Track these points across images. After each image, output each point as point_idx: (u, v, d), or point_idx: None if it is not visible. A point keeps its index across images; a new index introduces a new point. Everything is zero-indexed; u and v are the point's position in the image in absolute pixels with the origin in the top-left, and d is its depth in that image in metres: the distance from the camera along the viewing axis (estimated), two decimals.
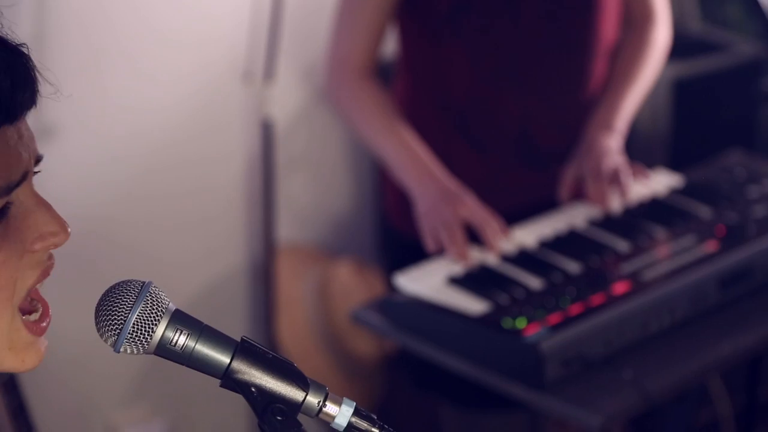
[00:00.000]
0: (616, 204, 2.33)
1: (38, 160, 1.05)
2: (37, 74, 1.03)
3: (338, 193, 3.35)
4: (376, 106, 2.31)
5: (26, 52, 1.03)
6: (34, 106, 1.03)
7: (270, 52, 2.92)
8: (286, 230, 3.19)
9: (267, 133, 2.98)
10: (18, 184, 1.02)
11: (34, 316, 1.06)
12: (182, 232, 3.01)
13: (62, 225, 1.05)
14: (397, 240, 2.53)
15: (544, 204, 2.39)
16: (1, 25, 1.03)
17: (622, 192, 2.32)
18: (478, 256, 2.17)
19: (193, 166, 3.00)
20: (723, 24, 3.73)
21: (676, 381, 2.03)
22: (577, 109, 2.42)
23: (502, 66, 2.35)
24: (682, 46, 3.48)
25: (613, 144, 2.34)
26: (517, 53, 2.34)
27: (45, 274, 1.06)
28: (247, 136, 3.04)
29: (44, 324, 1.07)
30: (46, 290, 1.08)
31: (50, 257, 1.06)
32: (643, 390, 1.95)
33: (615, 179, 2.31)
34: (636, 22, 2.46)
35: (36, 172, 1.05)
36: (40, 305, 1.07)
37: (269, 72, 2.93)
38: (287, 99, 3.11)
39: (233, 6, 2.95)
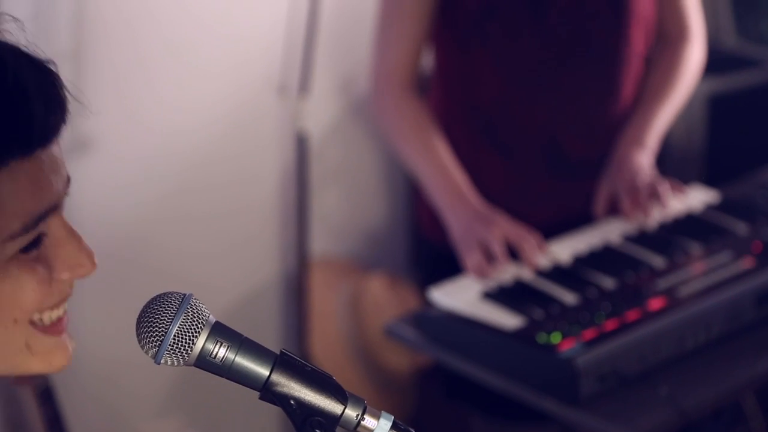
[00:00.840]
0: (656, 218, 2.33)
1: (68, 181, 1.06)
2: (66, 93, 1.03)
3: (372, 207, 3.35)
4: (415, 123, 2.32)
5: (55, 70, 1.03)
6: (65, 127, 1.03)
7: (305, 66, 2.93)
8: (320, 243, 3.20)
9: (302, 147, 2.99)
10: (48, 213, 1.03)
11: (50, 317, 1.07)
12: (217, 244, 3.02)
13: (90, 257, 1.07)
14: (431, 251, 2.53)
15: (572, 213, 2.39)
16: (27, 41, 1.03)
17: (662, 205, 2.31)
18: (514, 271, 2.17)
19: (228, 179, 3.01)
20: (758, 39, 3.71)
21: (711, 398, 2.02)
22: (605, 120, 2.41)
23: (530, 74, 2.35)
24: (717, 62, 3.47)
25: (644, 160, 2.34)
26: (544, 61, 2.34)
27: (64, 300, 1.08)
28: (282, 150, 3.05)
29: (62, 324, 1.08)
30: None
31: (71, 285, 1.08)
32: (678, 406, 1.94)
33: (653, 193, 2.30)
34: (670, 39, 2.46)
35: (65, 196, 1.06)
36: None
37: (304, 86, 2.95)
38: (322, 113, 3.12)
39: (269, 21, 2.96)
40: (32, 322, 1.06)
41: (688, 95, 2.48)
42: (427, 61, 2.61)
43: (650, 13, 2.41)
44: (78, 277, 1.06)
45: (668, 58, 2.45)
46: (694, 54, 2.46)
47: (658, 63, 2.45)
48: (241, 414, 3.09)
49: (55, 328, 1.07)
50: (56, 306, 1.07)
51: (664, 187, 2.32)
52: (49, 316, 1.06)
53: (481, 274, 2.15)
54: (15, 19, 1.03)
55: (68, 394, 2.44)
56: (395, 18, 2.32)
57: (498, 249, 2.16)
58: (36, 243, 1.03)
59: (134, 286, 2.74)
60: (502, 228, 2.18)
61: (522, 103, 2.36)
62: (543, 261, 2.19)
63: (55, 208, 1.03)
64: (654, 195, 2.31)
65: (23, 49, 1.01)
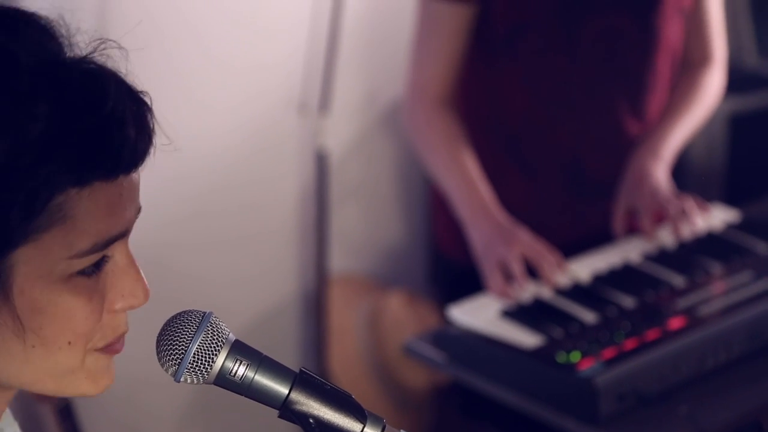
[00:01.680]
0: (685, 236, 2.32)
1: (139, 210, 1.07)
2: (155, 125, 1.05)
3: (391, 224, 3.36)
4: (445, 135, 2.33)
5: (149, 102, 1.05)
6: (149, 157, 1.05)
7: (325, 85, 2.94)
8: (339, 260, 3.20)
9: (321, 164, 3.00)
10: (117, 239, 1.04)
11: (103, 341, 1.07)
12: (236, 261, 3.03)
13: (145, 290, 1.07)
14: (449, 268, 2.53)
15: (592, 233, 2.39)
16: (126, 71, 1.05)
17: (691, 223, 2.31)
18: (533, 290, 2.17)
19: (249, 197, 3.02)
20: None
21: (731, 417, 2.01)
22: (628, 143, 2.42)
23: (557, 92, 2.35)
24: (738, 81, 3.46)
25: (660, 173, 2.34)
26: (572, 80, 2.35)
27: (118, 345, 1.08)
28: (302, 167, 3.06)
29: (119, 345, 1.08)
30: None
31: (125, 324, 1.08)
32: (699, 426, 1.93)
33: (681, 212, 2.30)
34: (693, 63, 2.47)
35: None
36: None
37: (324, 104, 2.95)
38: (342, 130, 3.13)
39: (289, 39, 2.97)
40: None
41: (707, 117, 2.49)
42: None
43: (678, 43, 2.42)
44: (129, 307, 1.07)
45: (689, 80, 2.46)
46: (715, 78, 2.48)
47: (679, 84, 2.46)
48: (259, 430, 3.08)
49: (111, 347, 1.07)
50: (109, 346, 1.07)
51: (691, 205, 2.32)
52: (104, 340, 1.07)
53: (503, 296, 2.15)
54: (120, 47, 1.05)
55: (86, 413, 2.44)
56: (433, 33, 2.32)
57: (517, 269, 2.16)
58: (98, 266, 1.04)
59: (153, 305, 2.74)
60: (522, 246, 2.18)
61: (547, 122, 2.37)
62: (562, 279, 2.19)
63: (123, 235, 1.05)
64: (682, 213, 2.31)
65: (123, 76, 1.04)
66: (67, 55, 1.03)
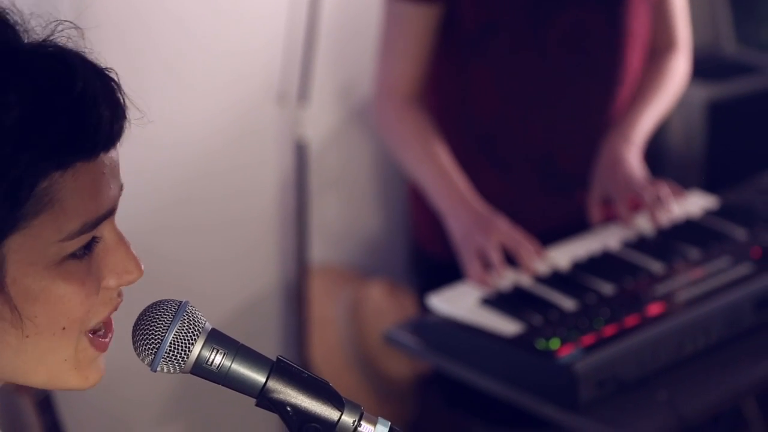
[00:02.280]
0: (664, 220, 2.33)
1: (121, 188, 1.07)
2: (127, 101, 1.05)
3: (371, 214, 3.36)
4: (416, 131, 2.33)
5: (116, 77, 1.05)
6: (124, 133, 1.05)
7: (304, 75, 2.93)
8: (319, 251, 3.20)
9: (301, 154, 3.00)
10: (105, 217, 1.04)
11: (99, 332, 1.07)
12: (216, 252, 3.03)
13: (138, 264, 1.07)
14: (427, 261, 2.54)
15: (567, 227, 2.39)
16: (90, 50, 1.05)
17: (666, 210, 2.32)
18: (513, 277, 2.17)
19: (228, 187, 3.02)
20: (758, 45, 3.72)
21: (710, 403, 2.02)
22: (601, 135, 2.42)
23: (528, 89, 2.35)
24: (717, 68, 3.48)
25: (632, 157, 2.35)
26: (543, 77, 2.35)
27: (114, 309, 1.08)
28: (281, 157, 3.06)
29: (107, 339, 1.08)
30: None
31: (120, 294, 1.08)
32: (678, 412, 1.94)
33: (657, 198, 2.31)
34: (659, 50, 2.49)
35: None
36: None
37: (303, 94, 2.95)
38: (321, 120, 3.13)
39: (268, 29, 2.97)
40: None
41: (674, 102, 2.51)
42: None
43: (646, 34, 2.43)
44: (125, 284, 1.07)
45: (656, 66, 2.48)
46: (681, 63, 2.50)
47: (646, 71, 2.47)
48: (239, 421, 3.09)
49: (101, 343, 1.07)
50: (106, 318, 1.07)
51: (666, 192, 2.33)
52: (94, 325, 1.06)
53: (482, 284, 2.15)
54: (76, 27, 1.05)
55: (67, 403, 2.44)
56: (399, 33, 2.32)
57: (496, 258, 2.16)
58: (89, 247, 1.03)
59: (132, 295, 2.74)
60: (501, 234, 2.19)
61: (519, 118, 2.37)
62: (541, 267, 2.19)
63: (110, 214, 1.04)
64: (657, 200, 2.31)
65: (87, 55, 1.04)
66: (25, 41, 1.02)
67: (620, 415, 1.94)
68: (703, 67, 3.32)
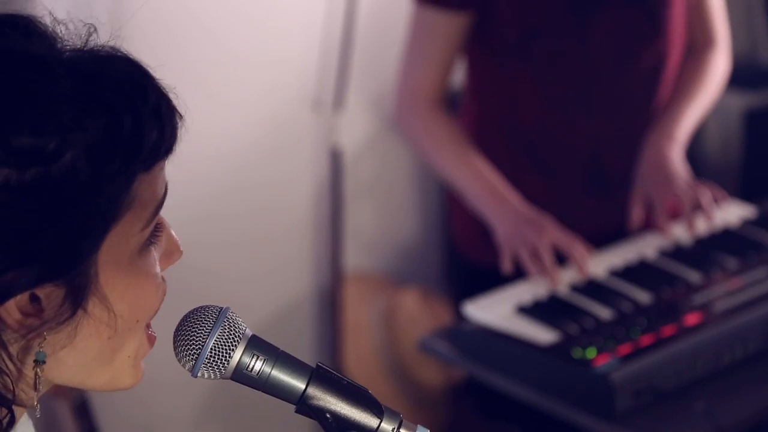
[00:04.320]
0: (702, 228, 2.32)
1: None
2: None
3: (405, 222, 3.36)
4: (447, 136, 2.33)
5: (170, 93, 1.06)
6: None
7: (340, 82, 2.94)
8: (354, 258, 3.20)
9: (336, 161, 3.00)
10: (165, 198, 1.05)
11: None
12: (251, 259, 3.03)
13: (179, 245, 1.10)
14: (465, 265, 2.53)
15: (611, 231, 2.38)
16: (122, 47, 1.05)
17: (707, 217, 2.31)
18: (567, 279, 2.16)
19: (263, 194, 3.03)
20: None
21: (748, 413, 2.00)
22: (645, 134, 2.41)
23: (571, 92, 2.35)
24: (753, 76, 3.45)
25: (675, 155, 2.34)
26: (585, 79, 2.34)
27: (164, 295, 1.08)
28: (316, 164, 3.06)
29: (154, 333, 1.09)
30: None
31: (163, 278, 1.09)
32: (715, 422, 1.92)
33: (697, 205, 2.30)
34: (698, 46, 2.47)
35: None
36: None
37: (339, 101, 2.96)
38: (356, 128, 3.13)
39: (304, 37, 2.97)
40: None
41: (715, 99, 2.49)
42: (457, 77, 2.61)
43: (683, 29, 2.42)
44: (171, 263, 1.08)
45: (695, 63, 2.46)
46: (721, 60, 2.48)
47: (686, 70, 2.46)
48: (273, 429, 3.09)
49: (152, 337, 1.08)
50: (161, 303, 1.08)
51: (707, 198, 2.31)
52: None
53: (548, 278, 2.14)
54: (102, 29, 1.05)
55: (102, 412, 2.45)
56: (425, 39, 2.32)
57: (548, 260, 2.15)
58: (155, 234, 1.05)
59: (168, 303, 2.75)
60: (552, 234, 2.18)
61: (562, 122, 2.36)
62: (595, 268, 2.19)
63: (167, 193, 1.06)
64: (697, 207, 2.30)
65: (149, 70, 1.05)
66: (60, 46, 1.01)
67: (657, 425, 1.93)
68: (740, 75, 3.30)
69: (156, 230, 1.05)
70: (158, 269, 1.06)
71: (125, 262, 1.02)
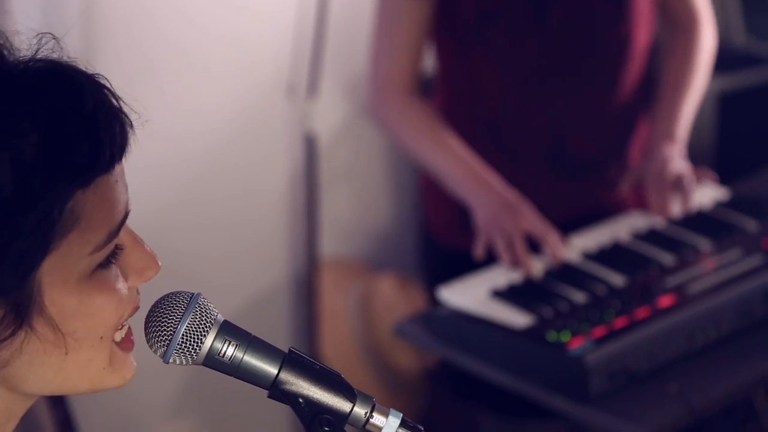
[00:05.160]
0: (677, 210, 2.33)
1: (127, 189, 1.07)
2: (124, 106, 1.05)
3: (381, 208, 3.36)
4: (423, 122, 2.32)
5: (107, 83, 1.04)
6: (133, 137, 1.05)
7: (314, 68, 2.93)
8: (329, 244, 3.20)
9: (310, 148, 3.00)
10: (124, 223, 1.04)
11: (119, 335, 1.07)
12: (226, 245, 3.03)
13: (155, 260, 1.07)
14: (439, 252, 2.53)
15: (578, 213, 2.39)
16: (74, 58, 1.04)
17: (684, 198, 2.32)
18: (539, 266, 2.17)
19: (237, 181, 3.02)
20: None
21: (721, 395, 2.02)
22: (608, 117, 2.41)
23: (532, 75, 2.35)
24: (726, 60, 3.46)
25: (675, 153, 2.35)
26: (547, 62, 2.34)
27: (136, 308, 1.08)
28: (291, 151, 3.06)
29: (132, 338, 1.09)
30: None
31: (138, 293, 1.08)
32: (689, 404, 1.94)
33: (678, 185, 2.31)
34: (680, 25, 2.46)
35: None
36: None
37: (313, 87, 2.95)
38: (330, 114, 3.12)
39: (277, 22, 2.97)
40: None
41: (707, 80, 2.49)
42: (429, 63, 2.61)
43: (650, 8, 2.41)
44: (145, 280, 1.07)
45: (683, 46, 2.45)
46: (707, 39, 2.47)
47: (674, 52, 2.45)
48: (248, 418, 3.09)
49: (126, 343, 1.08)
50: (131, 316, 1.08)
51: (690, 180, 2.33)
52: (119, 334, 1.07)
53: (519, 265, 2.15)
54: (55, 37, 1.04)
55: (79, 402, 2.44)
56: (392, 26, 2.32)
57: (520, 247, 2.16)
58: (114, 255, 1.04)
59: (143, 288, 2.75)
60: (527, 222, 2.18)
61: (525, 105, 2.36)
62: (568, 254, 2.20)
63: (126, 218, 1.05)
64: (678, 187, 2.31)
65: (76, 64, 1.03)
66: (11, 59, 1.01)
67: (631, 407, 1.94)
68: (713, 59, 3.31)
69: (114, 253, 1.04)
70: (120, 285, 1.04)
71: (73, 283, 1.01)
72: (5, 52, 1.01)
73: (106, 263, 1.03)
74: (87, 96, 1.00)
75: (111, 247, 1.03)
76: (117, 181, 1.03)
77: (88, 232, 1.00)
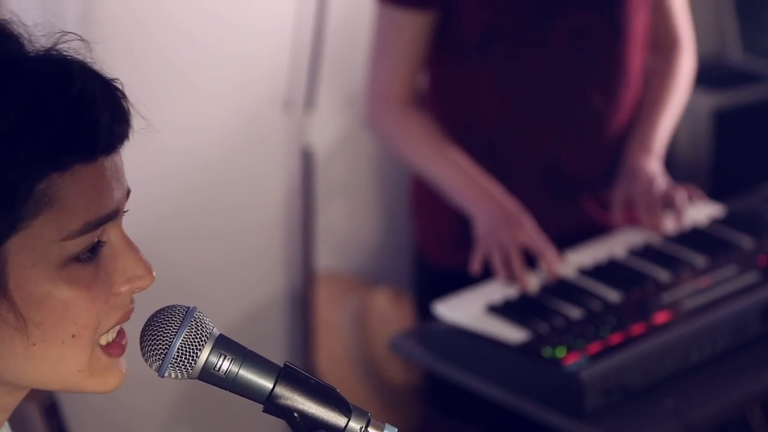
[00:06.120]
0: (671, 227, 2.34)
1: (128, 193, 1.07)
2: (131, 109, 1.05)
3: (377, 222, 3.36)
4: (423, 133, 2.33)
5: (121, 87, 1.05)
6: (127, 140, 1.05)
7: (311, 82, 2.94)
8: (325, 258, 3.20)
9: (307, 162, 3.00)
10: (108, 219, 1.03)
11: (105, 338, 1.07)
12: (223, 259, 3.03)
13: (149, 269, 1.06)
14: (428, 270, 2.53)
15: (571, 232, 2.39)
16: (95, 62, 1.05)
17: (678, 215, 2.33)
18: (535, 281, 2.17)
19: (234, 195, 3.02)
20: (764, 54, 3.72)
21: (716, 411, 2.02)
22: (604, 138, 2.42)
23: (530, 94, 2.35)
24: (722, 77, 3.48)
25: (654, 167, 2.36)
26: (544, 81, 2.35)
27: (126, 317, 1.07)
28: (288, 165, 3.06)
29: (123, 342, 1.08)
30: None
31: (132, 301, 1.07)
32: (684, 420, 1.94)
33: (668, 202, 2.32)
34: (662, 48, 2.49)
35: (125, 211, 1.07)
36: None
37: (310, 101, 2.95)
38: (327, 128, 3.13)
39: (274, 37, 2.97)
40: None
41: (685, 102, 2.52)
42: (419, 79, 2.61)
43: (646, 32, 2.43)
44: (137, 290, 1.06)
45: (663, 67, 2.48)
46: (687, 61, 2.51)
47: (654, 72, 2.48)
48: (247, 426, 3.08)
49: (113, 348, 1.07)
50: (118, 323, 1.07)
51: (681, 197, 2.33)
52: (105, 338, 1.06)
53: (515, 282, 2.15)
54: (81, 39, 1.05)
55: (73, 411, 2.44)
56: (390, 39, 2.32)
57: (517, 264, 2.15)
58: (94, 251, 1.03)
59: (139, 301, 2.74)
60: (526, 236, 2.18)
61: (522, 124, 2.37)
62: (564, 270, 2.20)
63: (114, 216, 1.04)
64: (669, 205, 2.32)
65: (90, 64, 1.04)
66: (28, 50, 1.03)
67: (626, 423, 1.94)
68: (709, 76, 3.32)
69: (94, 249, 1.03)
70: (96, 286, 1.03)
71: (42, 269, 1.00)
72: (24, 43, 1.02)
73: (83, 258, 1.02)
74: (75, 83, 1.00)
75: (89, 240, 1.02)
76: (104, 175, 1.02)
77: (63, 216, 1.00)
